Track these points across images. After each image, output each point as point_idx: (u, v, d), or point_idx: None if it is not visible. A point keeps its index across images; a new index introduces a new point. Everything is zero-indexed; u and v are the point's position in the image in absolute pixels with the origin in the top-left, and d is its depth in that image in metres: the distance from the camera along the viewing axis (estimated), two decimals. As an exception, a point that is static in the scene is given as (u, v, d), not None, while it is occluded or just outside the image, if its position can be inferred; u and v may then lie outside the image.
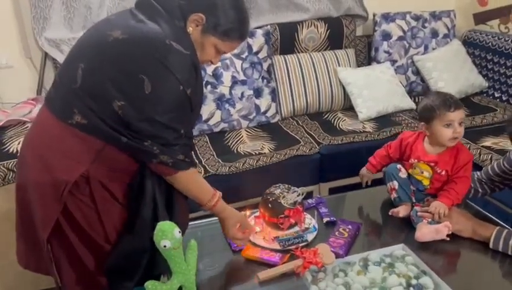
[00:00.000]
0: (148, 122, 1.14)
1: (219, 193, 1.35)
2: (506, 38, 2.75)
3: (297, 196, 1.48)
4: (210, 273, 1.33)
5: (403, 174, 1.55)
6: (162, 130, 1.17)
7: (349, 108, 2.74)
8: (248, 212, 1.57)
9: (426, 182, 1.51)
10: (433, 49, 2.95)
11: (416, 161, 1.51)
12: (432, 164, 1.49)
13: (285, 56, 2.73)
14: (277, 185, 1.55)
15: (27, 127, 2.05)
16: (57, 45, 2.35)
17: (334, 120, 2.62)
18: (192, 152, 1.35)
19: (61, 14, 2.36)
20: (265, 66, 2.58)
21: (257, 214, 1.55)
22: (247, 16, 1.25)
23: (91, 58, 1.15)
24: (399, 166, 1.56)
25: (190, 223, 1.61)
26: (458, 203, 1.47)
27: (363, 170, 1.67)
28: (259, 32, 2.59)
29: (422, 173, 1.51)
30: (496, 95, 2.85)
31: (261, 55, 2.57)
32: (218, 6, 1.17)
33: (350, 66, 2.83)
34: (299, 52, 2.79)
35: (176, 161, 1.21)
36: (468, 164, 1.47)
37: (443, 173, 1.47)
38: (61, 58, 2.33)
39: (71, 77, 1.15)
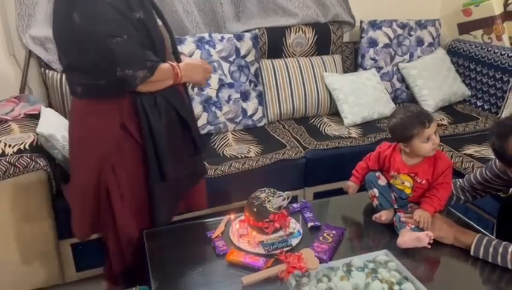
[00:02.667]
0: None
1: (175, 64, 1.48)
2: (489, 49, 2.81)
3: (283, 200, 1.48)
4: (194, 277, 1.32)
5: (382, 181, 1.56)
6: None
7: (335, 113, 2.76)
8: (233, 216, 1.56)
9: (408, 191, 1.53)
10: (418, 57, 2.99)
11: (396, 173, 1.53)
12: (412, 175, 1.50)
13: (273, 60, 2.73)
14: (262, 189, 1.55)
15: (9, 125, 2.01)
16: (42, 42, 2.31)
17: (320, 125, 2.64)
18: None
19: (47, 12, 2.33)
20: (252, 69, 2.58)
21: (242, 218, 1.54)
22: None
23: None
24: (378, 174, 1.58)
25: (173, 225, 1.61)
26: (441, 210, 1.49)
27: (349, 182, 1.68)
28: (248, 35, 2.59)
29: (403, 183, 1.53)
30: (478, 103, 2.90)
31: (248, 59, 2.57)
32: None
33: (337, 72, 2.85)
34: (286, 57, 2.81)
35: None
36: (448, 170, 1.49)
37: (423, 181, 1.50)
38: (45, 56, 2.30)
39: None
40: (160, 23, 1.53)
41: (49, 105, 2.30)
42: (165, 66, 1.45)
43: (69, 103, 2.26)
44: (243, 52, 2.55)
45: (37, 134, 1.86)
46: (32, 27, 2.31)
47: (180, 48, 2.40)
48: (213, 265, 1.38)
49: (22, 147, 1.82)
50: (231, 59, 2.52)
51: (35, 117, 2.06)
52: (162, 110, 1.47)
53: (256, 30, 2.69)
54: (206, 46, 2.47)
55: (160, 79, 1.43)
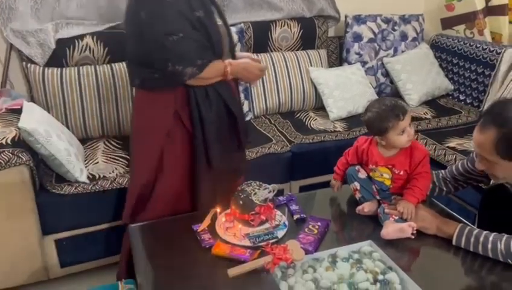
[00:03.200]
0: None
1: (227, 62, 1.60)
2: (471, 43, 2.85)
3: (269, 192, 1.48)
4: (180, 270, 1.32)
5: (362, 174, 1.58)
6: None
7: (320, 108, 2.78)
8: (219, 209, 1.56)
9: (388, 183, 1.55)
10: (402, 51, 3.02)
11: (374, 166, 1.55)
12: (390, 166, 1.52)
13: (259, 54, 2.73)
14: (248, 182, 1.55)
15: (-10, 120, 1.97)
16: (23, 36, 2.27)
17: (306, 119, 2.65)
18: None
19: (29, 5, 2.29)
20: (238, 64, 2.57)
21: (228, 211, 1.54)
22: None
23: None
24: (358, 167, 1.60)
25: (160, 219, 1.60)
26: (423, 200, 1.52)
27: (332, 181, 1.70)
28: (233, 29, 2.57)
29: (382, 175, 1.55)
30: (461, 97, 2.95)
31: (234, 53, 2.56)
32: None
33: (322, 67, 2.86)
34: (272, 51, 2.81)
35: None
36: (425, 159, 1.51)
37: (402, 173, 1.52)
38: (27, 49, 2.26)
39: None
40: (220, 22, 1.65)
41: (32, 99, 2.27)
42: (215, 64, 1.56)
43: (51, 97, 2.23)
44: (228, 46, 2.54)
45: (19, 129, 1.83)
46: (14, 20, 2.27)
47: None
48: (199, 258, 1.38)
49: (3, 141, 1.79)
50: (216, 53, 2.51)
51: (17, 112, 2.03)
52: (213, 102, 1.60)
53: (242, 24, 2.68)
54: (191, 40, 2.46)
55: (209, 76, 1.56)
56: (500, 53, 2.65)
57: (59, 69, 2.26)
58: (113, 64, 2.36)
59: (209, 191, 1.67)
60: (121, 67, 2.35)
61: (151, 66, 1.53)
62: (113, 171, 2.03)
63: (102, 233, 1.99)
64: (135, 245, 1.44)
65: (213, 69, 1.55)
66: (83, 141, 2.31)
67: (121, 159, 2.15)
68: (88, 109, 2.30)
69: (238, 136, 1.72)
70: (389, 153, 1.53)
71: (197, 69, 1.51)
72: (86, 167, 2.05)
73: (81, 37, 2.35)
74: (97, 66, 2.33)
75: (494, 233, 1.34)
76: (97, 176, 1.98)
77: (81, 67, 2.30)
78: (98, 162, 2.12)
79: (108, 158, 2.16)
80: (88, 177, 1.96)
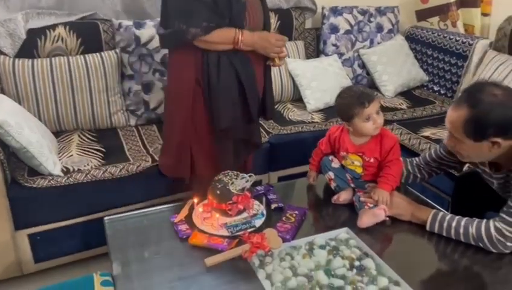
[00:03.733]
0: None
1: (240, 30, 1.60)
2: (445, 35, 2.90)
3: (246, 181, 1.48)
4: (156, 261, 1.31)
5: (336, 164, 1.61)
6: None
7: (298, 99, 2.78)
8: (196, 200, 1.55)
9: (359, 170, 1.57)
10: (378, 43, 3.05)
11: (345, 153, 1.57)
12: (360, 154, 1.55)
13: (236, 46, 2.71)
14: (226, 172, 1.54)
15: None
16: (-8, 26, 2.20)
17: (284, 111, 2.65)
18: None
19: (-3, -6, 2.22)
20: (215, 55, 2.56)
21: (206, 201, 1.54)
22: None
23: None
24: (331, 157, 1.62)
25: (134, 212, 1.59)
26: (397, 186, 1.54)
27: (309, 172, 1.71)
28: (209, 20, 2.56)
29: (353, 163, 1.57)
30: (435, 88, 3.00)
31: (211, 44, 2.54)
32: None
33: (299, 58, 2.87)
34: (249, 42, 2.79)
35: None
36: (395, 147, 1.53)
37: (372, 160, 1.54)
38: (-4, 40, 2.19)
39: None
40: None
41: (1, 91, 2.19)
42: (225, 30, 1.58)
43: (22, 89, 2.17)
44: (205, 37, 2.52)
45: (-12, 121, 1.77)
46: (-19, 9, 2.19)
47: (139, 32, 2.37)
48: (176, 249, 1.37)
49: (-28, 134, 1.73)
50: (193, 44, 2.48)
51: (-14, 104, 1.96)
52: (222, 70, 1.62)
53: (218, 15, 2.65)
54: (167, 31, 2.43)
55: (217, 41, 1.59)
56: (472, 44, 2.71)
57: (30, 60, 2.20)
58: (86, 56, 2.30)
59: (229, 159, 1.75)
60: (94, 58, 2.30)
61: (165, 24, 1.62)
62: (88, 164, 1.99)
63: (77, 227, 1.95)
64: (110, 237, 1.42)
65: (221, 35, 1.57)
66: (57, 133, 2.26)
67: (96, 152, 2.11)
68: (61, 101, 2.24)
69: (248, 108, 1.72)
70: (360, 141, 1.55)
71: (201, 31, 1.54)
72: (59, 159, 2.00)
73: (52, 27, 2.28)
74: (70, 57, 2.27)
75: (466, 218, 1.37)
76: (71, 169, 1.94)
77: (53, 59, 2.24)
78: (72, 155, 2.07)
79: (83, 151, 2.11)
80: (62, 171, 1.92)
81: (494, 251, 1.31)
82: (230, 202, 1.45)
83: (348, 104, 1.49)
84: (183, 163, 1.81)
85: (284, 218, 1.47)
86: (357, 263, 1.29)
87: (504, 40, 2.50)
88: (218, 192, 1.46)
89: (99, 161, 2.03)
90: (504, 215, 1.30)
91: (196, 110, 1.70)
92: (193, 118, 1.71)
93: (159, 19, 2.45)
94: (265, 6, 1.75)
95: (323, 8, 2.96)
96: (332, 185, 1.61)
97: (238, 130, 1.75)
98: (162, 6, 1.66)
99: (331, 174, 1.60)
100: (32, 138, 1.83)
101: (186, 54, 1.64)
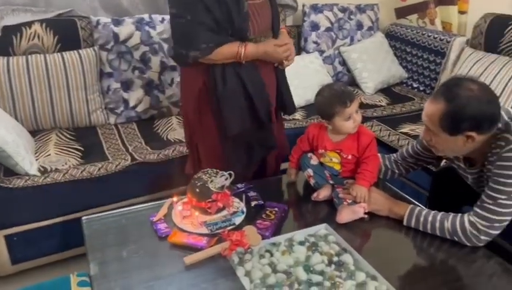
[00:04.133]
0: None
1: (243, 45, 1.60)
2: (423, 32, 2.94)
3: (225, 179, 1.48)
4: (135, 261, 1.30)
5: (314, 161, 1.62)
6: None
7: (279, 96, 2.78)
8: (176, 199, 1.55)
9: (338, 167, 1.58)
10: (358, 40, 3.08)
11: (323, 150, 1.58)
12: (338, 151, 1.56)
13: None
14: (205, 170, 1.54)
15: None
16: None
17: (265, 108, 2.65)
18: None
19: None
20: (195, 52, 2.54)
21: (185, 199, 1.53)
22: None
23: None
24: (310, 154, 1.63)
25: (113, 211, 1.57)
26: (375, 181, 1.56)
27: (288, 169, 1.72)
28: (189, 17, 2.54)
29: (331, 160, 1.58)
30: (414, 85, 3.04)
31: (191, 41, 2.52)
32: None
33: (280, 55, 2.86)
34: (230, 40, 2.78)
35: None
36: (372, 143, 1.55)
37: (350, 157, 1.56)
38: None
39: None
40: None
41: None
42: (226, 47, 1.57)
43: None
44: (185, 35, 2.50)
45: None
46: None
47: (118, 30, 2.34)
48: (155, 248, 1.36)
49: None
50: (173, 41, 2.46)
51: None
52: (228, 80, 1.63)
53: (199, 12, 2.64)
54: (146, 28, 2.40)
55: (218, 59, 1.59)
56: (450, 42, 2.75)
57: (5, 58, 2.15)
58: (64, 53, 2.26)
59: (240, 162, 1.76)
60: (72, 56, 2.26)
61: (173, 47, 1.66)
62: (66, 163, 1.96)
63: (55, 227, 1.92)
64: (88, 237, 1.41)
65: (223, 52, 1.58)
66: (34, 132, 2.22)
67: (74, 151, 2.08)
68: (38, 99, 2.20)
69: (257, 115, 1.72)
70: (338, 138, 1.57)
71: (200, 53, 1.55)
72: (36, 159, 1.97)
73: (28, 24, 2.24)
74: (47, 55, 2.24)
75: (441, 213, 1.40)
76: (49, 169, 1.91)
77: (29, 56, 2.20)
78: (50, 154, 2.04)
79: (61, 150, 2.08)
80: (39, 170, 1.89)
81: (468, 244, 1.34)
82: (210, 200, 1.45)
83: (329, 103, 1.50)
84: (190, 161, 1.88)
85: (263, 215, 1.47)
86: (335, 259, 1.30)
87: (480, 37, 2.55)
88: (197, 190, 1.46)
89: (78, 160, 2.00)
90: (478, 210, 1.33)
91: (204, 116, 1.72)
92: (201, 122, 1.74)
93: (137, 16, 2.46)
94: (273, 5, 1.74)
95: (303, 6, 2.97)
96: (312, 181, 1.62)
97: (249, 135, 1.75)
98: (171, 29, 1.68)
99: (310, 171, 1.61)
100: (8, 137, 1.80)
101: (194, 66, 1.64)
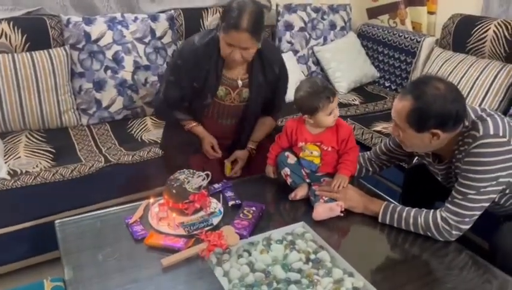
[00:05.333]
0: None
1: (195, 123, 1.91)
2: (394, 32, 3.00)
3: (202, 180, 1.47)
4: (110, 264, 1.28)
5: (292, 160, 1.63)
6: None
7: (254, 96, 2.79)
8: (152, 200, 1.53)
9: (317, 161, 1.60)
10: (332, 40, 3.12)
11: (303, 143, 1.60)
12: (318, 143, 1.58)
13: (191, 42, 2.68)
14: (182, 170, 1.53)
15: None
16: None
17: (240, 107, 2.65)
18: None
19: None
20: (170, 51, 2.52)
21: (161, 201, 1.51)
22: (242, 13, 1.62)
23: None
24: (287, 153, 1.64)
25: (89, 214, 1.54)
26: (353, 176, 1.61)
27: (267, 167, 1.72)
28: (163, 16, 2.52)
29: (311, 153, 1.60)
30: (386, 84, 3.11)
31: (165, 40, 2.50)
32: (227, 10, 1.66)
33: (255, 55, 2.87)
34: (204, 39, 2.77)
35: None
36: (351, 136, 1.59)
37: (329, 149, 1.58)
38: None
39: None
40: (227, 99, 1.89)
41: None
42: (184, 124, 1.92)
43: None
44: (158, 34, 2.48)
45: None
46: None
47: (89, 29, 2.30)
48: (131, 250, 1.34)
49: None
50: (146, 40, 2.43)
51: None
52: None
53: (172, 11, 2.61)
54: (119, 27, 2.37)
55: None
56: (420, 41, 2.82)
57: (-29, 57, 2.08)
58: (33, 52, 2.20)
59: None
60: (42, 55, 2.20)
61: None
62: (37, 166, 1.91)
63: (27, 231, 1.87)
64: (62, 240, 1.37)
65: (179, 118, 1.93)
66: (3, 134, 2.15)
67: (45, 153, 2.03)
68: (6, 100, 2.14)
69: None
70: (317, 131, 1.59)
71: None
72: (6, 162, 1.91)
73: (-5, 22, 2.17)
74: (15, 54, 2.17)
75: (415, 209, 1.43)
76: (19, 172, 1.86)
77: (-4, 56, 2.13)
78: (20, 157, 1.98)
79: (32, 152, 2.03)
80: (9, 173, 1.83)
81: (441, 239, 1.38)
82: (187, 201, 1.44)
83: (313, 98, 1.51)
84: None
85: (241, 215, 1.47)
86: (312, 256, 1.31)
87: (448, 37, 2.63)
88: (174, 191, 1.45)
89: (49, 163, 1.95)
90: (449, 205, 1.37)
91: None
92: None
93: (110, 15, 2.42)
94: (253, 101, 1.89)
95: (277, 6, 2.98)
96: (288, 181, 1.63)
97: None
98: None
99: (287, 170, 1.62)
100: (-25, 140, 1.74)
101: None
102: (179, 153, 1.91)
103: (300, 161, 1.62)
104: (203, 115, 1.92)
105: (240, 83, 1.85)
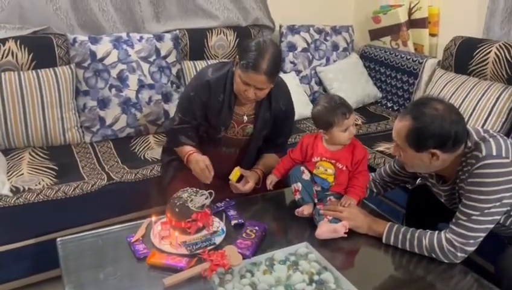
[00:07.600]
0: None
1: (195, 149, 1.83)
2: (396, 54, 3.03)
3: (206, 198, 1.47)
4: (112, 283, 1.26)
5: (306, 176, 1.62)
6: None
7: (257, 115, 2.80)
8: (154, 218, 1.52)
9: (331, 179, 1.59)
10: (334, 61, 3.15)
11: (319, 158, 1.60)
12: (333, 161, 1.58)
13: (195, 62, 2.72)
14: (185, 189, 1.53)
15: None
16: None
17: (243, 126, 2.66)
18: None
19: None
20: (174, 70, 2.54)
21: (164, 219, 1.51)
22: (263, 54, 1.59)
23: None
24: (302, 168, 1.63)
25: (91, 232, 1.53)
26: (364, 196, 1.61)
27: (270, 175, 1.72)
28: (168, 36, 2.55)
29: (326, 171, 1.60)
30: (389, 104, 3.12)
31: (169, 60, 2.53)
32: (246, 49, 1.63)
33: (258, 75, 2.90)
34: (208, 59, 2.80)
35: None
36: (364, 159, 1.60)
37: (344, 168, 1.58)
38: None
39: None
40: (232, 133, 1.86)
41: None
42: (180, 149, 1.85)
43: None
44: (163, 53, 2.51)
45: None
46: None
47: (95, 48, 2.33)
48: (133, 269, 1.33)
49: None
50: (151, 59, 2.46)
51: None
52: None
53: (177, 31, 2.65)
54: (124, 46, 2.40)
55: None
56: (422, 63, 2.84)
57: (-23, 74, 2.10)
58: (39, 70, 2.23)
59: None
60: (47, 73, 2.23)
61: None
62: (39, 183, 1.91)
63: (28, 249, 1.86)
64: (63, 258, 1.36)
65: (179, 150, 1.87)
66: (6, 151, 2.16)
67: (48, 170, 2.03)
68: (11, 117, 2.15)
69: None
70: (334, 148, 1.60)
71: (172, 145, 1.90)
72: (8, 179, 1.91)
73: (2, 41, 2.20)
74: (21, 72, 2.20)
75: (419, 230, 1.42)
76: (21, 189, 1.86)
77: (3, 73, 2.15)
78: (23, 174, 1.98)
79: (35, 169, 2.03)
80: (11, 190, 1.83)
81: (445, 261, 1.37)
82: (190, 219, 1.43)
83: (328, 113, 1.53)
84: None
85: (244, 234, 1.46)
86: (316, 277, 1.30)
87: (450, 59, 2.65)
88: (177, 209, 1.44)
89: (52, 180, 1.95)
90: (453, 227, 1.36)
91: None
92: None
93: (115, 34, 2.45)
94: (256, 137, 1.85)
95: (281, 27, 3.02)
96: (297, 197, 1.61)
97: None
98: None
99: (299, 185, 1.60)
100: (-21, 156, 1.74)
101: None
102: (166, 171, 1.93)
103: (314, 178, 1.62)
104: (212, 147, 1.86)
105: (245, 118, 1.83)
